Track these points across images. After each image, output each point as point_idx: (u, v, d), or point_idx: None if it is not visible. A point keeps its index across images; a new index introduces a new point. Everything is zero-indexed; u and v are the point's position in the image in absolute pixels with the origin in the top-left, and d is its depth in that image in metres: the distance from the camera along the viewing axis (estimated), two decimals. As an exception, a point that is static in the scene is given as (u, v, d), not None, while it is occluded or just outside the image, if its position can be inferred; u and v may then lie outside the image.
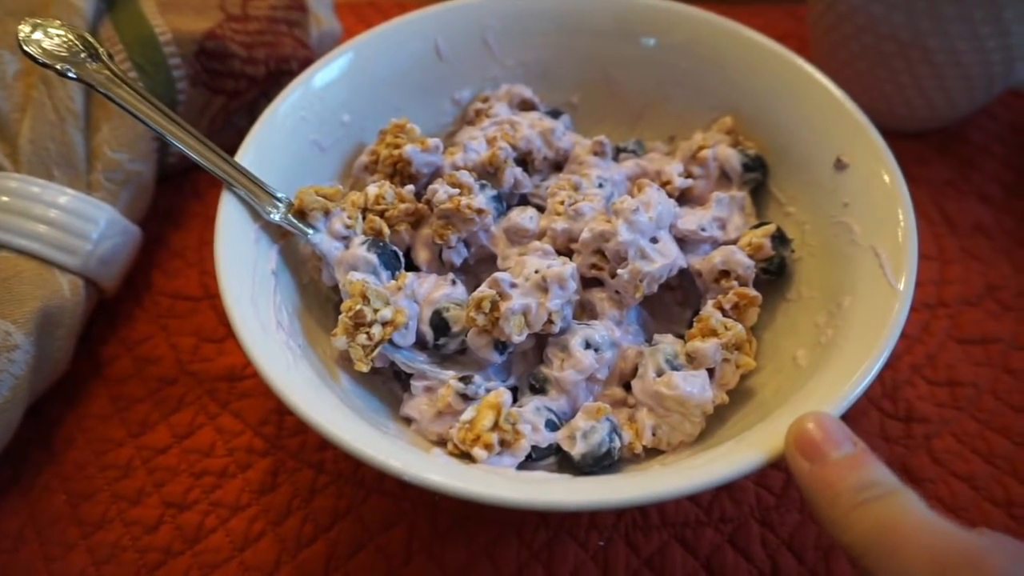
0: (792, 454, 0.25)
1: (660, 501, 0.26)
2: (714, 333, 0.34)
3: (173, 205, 0.48)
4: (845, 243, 0.35)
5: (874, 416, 0.39)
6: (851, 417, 0.38)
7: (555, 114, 0.45)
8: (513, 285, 0.35)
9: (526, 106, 0.45)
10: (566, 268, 0.35)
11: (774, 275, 0.38)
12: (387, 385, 0.37)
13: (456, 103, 0.46)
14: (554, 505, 0.25)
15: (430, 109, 0.45)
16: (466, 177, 0.38)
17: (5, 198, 0.39)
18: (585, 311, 0.38)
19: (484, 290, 0.34)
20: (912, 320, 0.42)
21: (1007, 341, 0.41)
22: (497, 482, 0.27)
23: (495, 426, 0.31)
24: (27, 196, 0.40)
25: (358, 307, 0.33)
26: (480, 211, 0.37)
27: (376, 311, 0.33)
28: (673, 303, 0.40)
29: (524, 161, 0.42)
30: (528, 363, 0.37)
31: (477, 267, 0.40)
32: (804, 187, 0.39)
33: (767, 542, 0.35)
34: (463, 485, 0.25)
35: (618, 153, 0.44)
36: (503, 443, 0.31)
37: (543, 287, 0.35)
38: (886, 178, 0.35)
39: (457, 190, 0.38)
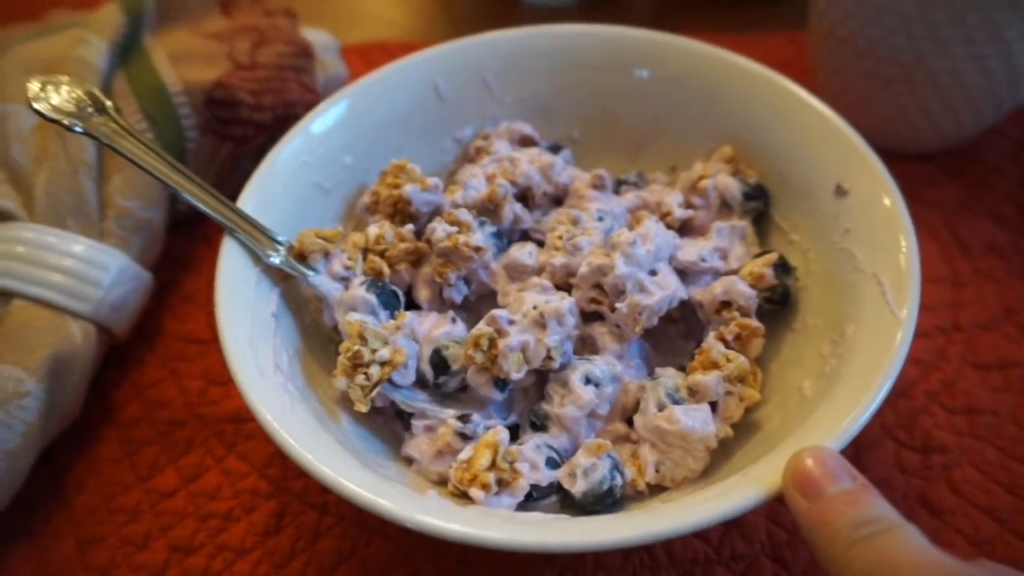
0: (789, 491, 0.24)
1: (658, 540, 0.25)
2: (716, 365, 0.33)
3: (184, 250, 0.49)
4: (848, 270, 0.35)
5: (889, 447, 0.38)
6: (865, 447, 0.38)
7: (555, 149, 0.46)
8: (511, 322, 0.35)
9: (526, 142, 0.45)
10: (564, 303, 0.35)
11: (778, 304, 0.38)
12: (389, 425, 0.37)
13: (457, 142, 0.47)
14: (546, 547, 0.25)
15: (432, 148, 0.46)
16: (465, 215, 0.39)
17: (21, 248, 0.40)
18: (586, 346, 0.37)
19: (482, 327, 0.34)
20: (926, 346, 0.41)
21: (1026, 366, 0.40)
22: (492, 524, 0.26)
23: (492, 465, 0.31)
24: (42, 246, 0.41)
25: (356, 348, 0.33)
26: (478, 248, 0.37)
27: (374, 351, 0.34)
28: (676, 335, 0.39)
29: (524, 197, 0.42)
30: (529, 400, 0.37)
31: (478, 304, 0.40)
32: (806, 214, 0.39)
33: (780, 581, 0.34)
34: (456, 527, 0.25)
35: (619, 185, 0.44)
36: (501, 483, 0.31)
37: (541, 323, 0.35)
38: (887, 203, 0.34)
39: (456, 228, 0.38)
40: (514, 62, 0.46)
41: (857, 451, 0.37)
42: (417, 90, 0.45)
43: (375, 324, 0.35)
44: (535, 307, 0.35)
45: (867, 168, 0.35)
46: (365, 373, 0.33)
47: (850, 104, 0.50)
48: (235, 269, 0.35)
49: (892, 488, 0.36)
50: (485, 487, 0.30)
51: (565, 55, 0.45)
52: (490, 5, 0.70)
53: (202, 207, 0.36)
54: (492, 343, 0.34)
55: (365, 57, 0.62)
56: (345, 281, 0.37)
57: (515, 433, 0.36)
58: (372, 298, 0.36)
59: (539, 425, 0.35)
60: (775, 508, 0.36)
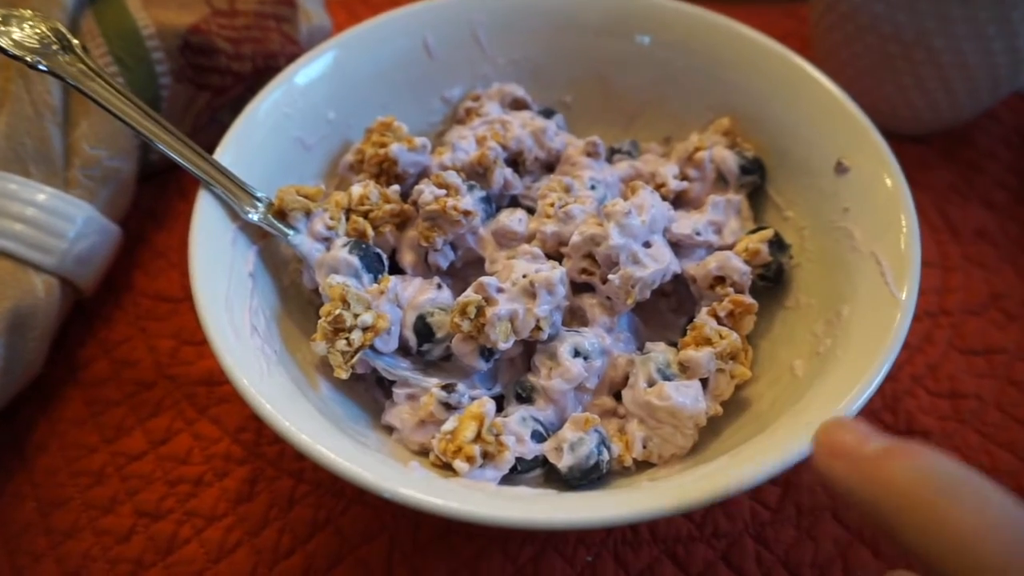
0: (825, 461, 0.22)
1: (644, 521, 0.25)
2: (708, 342, 0.33)
3: (157, 204, 0.47)
4: (845, 249, 0.34)
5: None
6: (850, 429, 0.37)
7: (548, 113, 0.44)
8: (500, 290, 0.34)
9: (518, 105, 0.44)
10: (555, 273, 0.34)
11: (771, 282, 0.37)
12: (369, 392, 0.36)
13: (446, 101, 0.45)
14: (532, 523, 0.24)
15: (419, 107, 0.44)
16: (453, 178, 0.37)
17: (-21, 195, 0.38)
18: (575, 317, 0.36)
19: (469, 295, 0.33)
20: (913, 329, 0.40)
21: (1012, 352, 0.40)
22: (475, 498, 0.26)
23: (477, 437, 0.30)
24: (3, 194, 0.38)
25: (337, 311, 0.32)
26: (467, 213, 0.36)
27: (356, 316, 0.32)
28: (667, 310, 0.38)
29: (515, 162, 0.41)
30: (516, 371, 0.36)
31: (465, 270, 0.39)
32: (803, 191, 0.38)
33: (762, 559, 0.34)
34: (439, 501, 0.24)
35: (612, 154, 0.43)
36: (486, 455, 0.30)
37: (531, 292, 0.33)
38: (889, 183, 0.33)
39: (443, 191, 0.36)
40: (508, 21, 0.44)
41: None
42: (406, 45, 0.42)
43: (358, 287, 0.34)
44: (525, 276, 0.34)
45: (870, 146, 0.35)
46: (347, 338, 0.32)
47: (848, 80, 0.48)
48: (211, 225, 0.33)
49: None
50: (470, 459, 0.29)
51: (562, 16, 0.43)
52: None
53: (176, 158, 0.34)
54: (480, 311, 0.33)
55: (350, 10, 0.59)
56: (327, 242, 0.36)
57: (500, 405, 0.35)
58: (355, 260, 0.34)
59: (525, 397, 0.34)
60: (759, 487, 0.36)
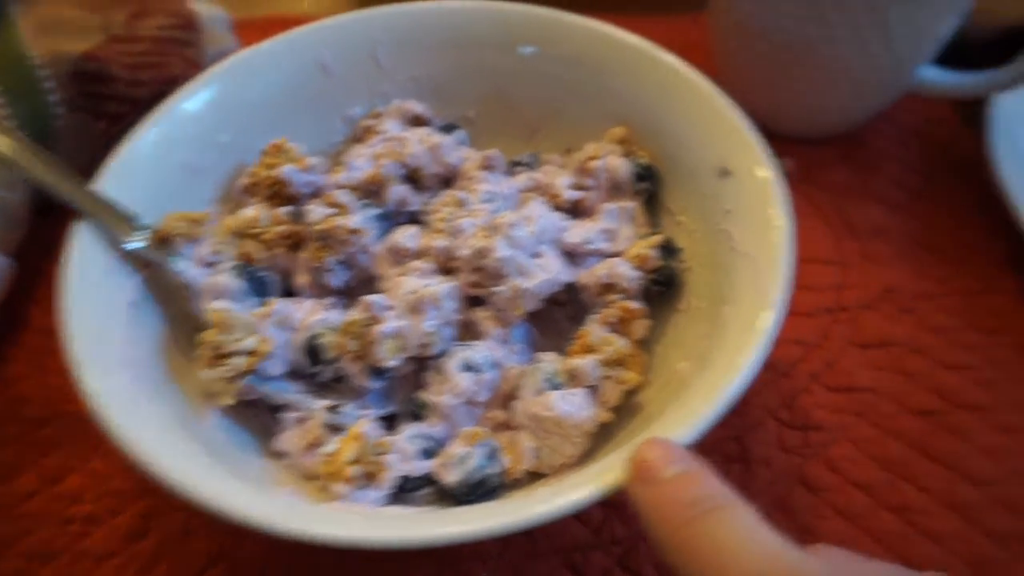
0: (630, 481, 0.23)
1: (500, 534, 0.24)
2: (592, 349, 0.33)
3: (54, 236, 0.46)
4: (727, 251, 0.34)
5: (771, 427, 0.38)
6: (748, 428, 0.38)
7: (449, 129, 0.44)
8: (387, 307, 0.34)
9: (418, 122, 0.44)
10: (440, 288, 0.34)
11: (665, 286, 0.37)
12: (260, 418, 0.35)
13: (347, 121, 0.45)
14: (379, 543, 0.24)
15: (319, 128, 0.44)
16: (344, 196, 0.37)
17: None
18: (470, 331, 0.36)
19: (354, 314, 0.33)
20: (811, 326, 0.42)
21: (904, 344, 0.41)
22: (343, 521, 0.25)
23: (359, 458, 0.30)
24: None
25: (218, 337, 0.31)
26: (355, 231, 0.36)
27: (237, 341, 0.32)
28: (563, 319, 0.39)
29: (414, 178, 0.41)
30: (410, 388, 0.36)
31: (360, 290, 0.38)
32: (692, 196, 0.38)
33: (659, 563, 0.34)
34: (296, 527, 0.24)
35: (514, 167, 0.43)
36: (368, 476, 0.30)
37: (417, 308, 0.33)
38: (764, 185, 0.34)
39: (334, 210, 0.36)
40: (405, 38, 0.44)
41: (741, 432, 0.38)
42: (301, 65, 0.42)
43: (242, 312, 0.33)
44: (412, 292, 0.34)
45: (748, 149, 0.35)
46: (229, 364, 0.31)
47: (748, 87, 0.50)
48: (85, 255, 0.32)
49: (772, 467, 0.37)
50: (348, 481, 0.29)
51: (457, 31, 0.43)
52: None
53: (47, 186, 0.33)
54: (365, 330, 0.33)
55: (264, 31, 0.59)
56: (213, 267, 0.35)
57: (394, 423, 0.34)
58: (240, 284, 0.34)
59: (417, 414, 0.34)
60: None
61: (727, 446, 0.37)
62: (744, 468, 0.37)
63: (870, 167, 0.49)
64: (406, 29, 0.44)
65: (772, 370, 0.40)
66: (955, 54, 0.49)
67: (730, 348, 0.29)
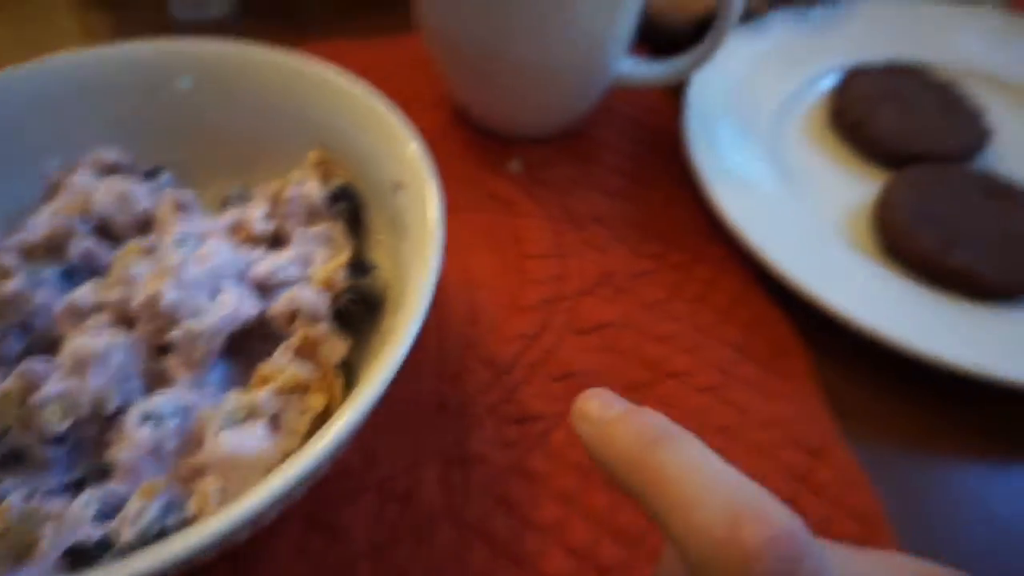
0: (578, 424, 0.24)
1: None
2: (266, 380, 0.33)
3: None
4: (404, 264, 0.35)
5: (490, 424, 0.39)
6: (467, 429, 0.39)
7: (153, 173, 0.43)
8: (52, 370, 0.32)
9: (114, 170, 0.42)
10: (106, 342, 0.32)
11: (364, 304, 0.38)
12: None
13: (44, 176, 0.42)
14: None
15: (11, 187, 0.41)
16: (8, 259, 0.35)
17: None
18: (163, 380, 0.35)
19: (9, 382, 0.31)
20: (530, 319, 0.43)
21: (617, 323, 0.43)
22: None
23: (1, 534, 0.28)
24: None
25: None
26: (17, 297, 0.34)
27: None
28: (264, 353, 0.38)
29: (105, 229, 0.40)
30: (100, 449, 0.34)
31: (49, 354, 0.37)
32: (382, 212, 0.39)
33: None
34: None
35: (225, 203, 0.43)
36: (18, 554, 0.28)
37: (83, 366, 0.32)
38: (424, 198, 0.35)
39: (-7, 277, 0.34)
40: (97, 82, 0.43)
41: (460, 435, 0.39)
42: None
43: None
44: (76, 350, 0.32)
45: (413, 163, 0.36)
46: None
47: (469, 97, 0.52)
48: None
49: (492, 463, 0.38)
50: (-16, 565, 0.27)
51: (143, 69, 0.43)
52: (139, 23, 0.65)
53: None
54: (23, 398, 0.31)
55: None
56: None
57: (82, 488, 0.33)
58: None
59: (101, 475, 0.32)
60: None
61: (449, 450, 0.38)
62: (464, 469, 0.38)
63: (591, 159, 0.52)
64: (98, 75, 0.42)
65: (493, 368, 0.41)
66: (664, 46, 0.53)
67: (379, 359, 0.30)
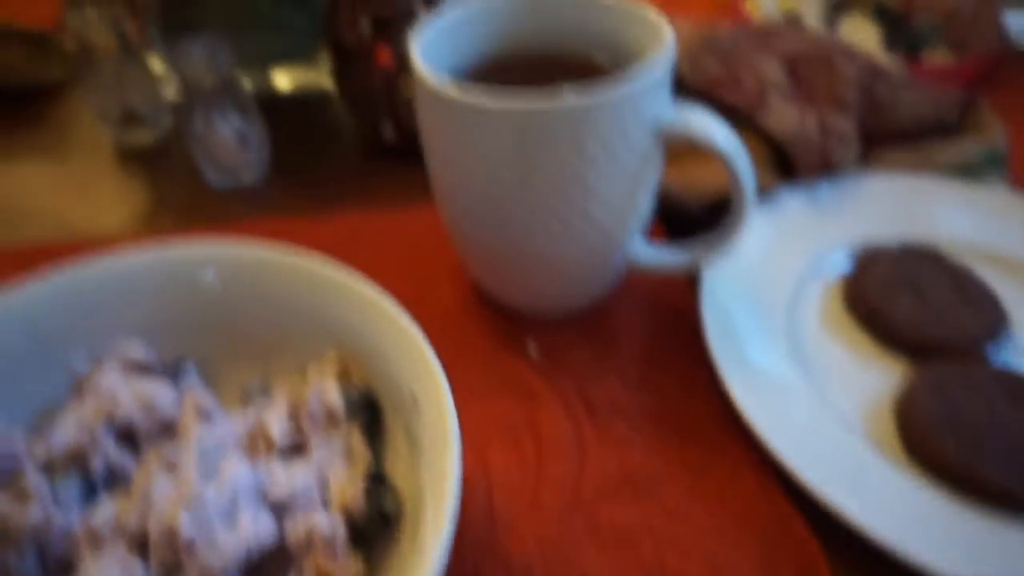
0: None
1: None
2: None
3: None
4: (420, 478, 0.35)
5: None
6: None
7: (177, 367, 0.44)
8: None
9: (139, 368, 0.43)
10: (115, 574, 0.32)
11: (384, 522, 0.37)
12: None
13: (72, 371, 0.43)
14: None
15: (38, 384, 0.42)
16: (34, 479, 0.35)
17: None
18: (176, 607, 0.35)
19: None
20: (548, 520, 0.42)
21: (636, 529, 0.42)
22: None
23: None
24: None
25: None
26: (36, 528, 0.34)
27: None
28: (279, 573, 0.38)
29: (129, 435, 0.40)
30: None
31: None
32: (399, 418, 0.39)
33: None
34: None
35: (246, 399, 0.43)
36: None
37: (93, 605, 0.32)
38: (439, 415, 0.35)
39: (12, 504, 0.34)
40: (120, 286, 0.44)
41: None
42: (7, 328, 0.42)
43: None
44: (89, 586, 0.32)
45: (431, 376, 0.36)
46: None
47: (484, 278, 0.53)
48: None
49: None
50: None
51: (165, 273, 0.44)
52: (173, 186, 0.69)
53: None
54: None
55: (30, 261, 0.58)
56: None
57: None
58: None
59: None
60: None
61: None
62: None
63: (608, 340, 0.52)
64: (120, 279, 0.44)
65: (509, 571, 0.40)
66: (679, 225, 0.54)
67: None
